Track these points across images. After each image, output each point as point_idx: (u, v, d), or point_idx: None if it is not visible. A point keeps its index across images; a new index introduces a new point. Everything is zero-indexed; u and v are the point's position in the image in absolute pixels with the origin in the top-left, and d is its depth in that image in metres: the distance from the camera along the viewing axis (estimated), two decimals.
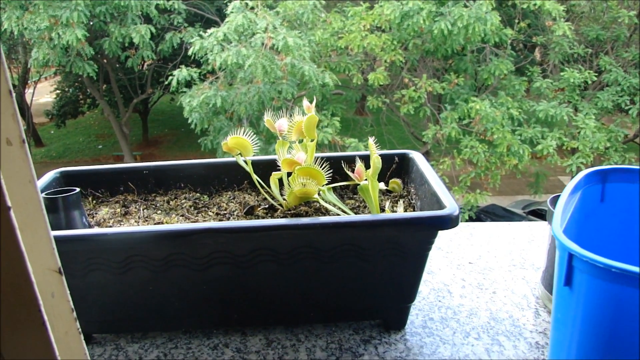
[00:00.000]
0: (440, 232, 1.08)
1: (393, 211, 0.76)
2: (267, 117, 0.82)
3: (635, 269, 0.36)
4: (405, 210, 0.79)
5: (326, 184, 0.77)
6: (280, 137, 0.80)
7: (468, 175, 8.18)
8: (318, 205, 0.78)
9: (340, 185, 0.86)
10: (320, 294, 0.75)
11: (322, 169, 0.74)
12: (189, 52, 7.75)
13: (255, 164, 0.84)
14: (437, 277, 0.92)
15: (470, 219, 7.88)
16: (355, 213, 0.79)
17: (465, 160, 8.07)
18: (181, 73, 7.69)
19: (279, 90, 7.34)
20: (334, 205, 0.76)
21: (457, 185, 8.21)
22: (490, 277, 0.92)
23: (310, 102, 0.82)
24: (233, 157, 0.82)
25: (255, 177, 0.81)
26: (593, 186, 0.58)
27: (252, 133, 0.81)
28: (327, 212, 0.76)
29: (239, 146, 0.80)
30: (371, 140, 0.75)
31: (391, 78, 8.37)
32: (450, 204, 0.68)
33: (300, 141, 0.80)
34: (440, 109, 8.29)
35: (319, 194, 0.74)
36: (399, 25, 7.83)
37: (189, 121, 7.59)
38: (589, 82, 9.03)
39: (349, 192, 0.87)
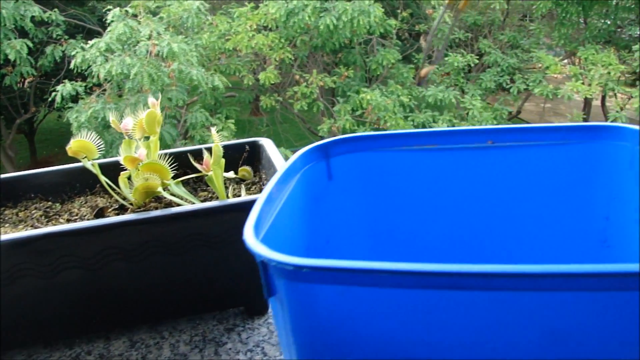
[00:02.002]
0: None
1: (236, 196, 0.77)
2: (112, 118, 0.81)
3: (327, 262, 0.30)
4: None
5: (176, 178, 0.78)
6: (126, 137, 0.79)
7: None
8: (168, 200, 0.78)
9: (193, 178, 0.86)
10: (178, 287, 0.75)
11: (168, 164, 0.74)
12: (71, 66, 7.46)
13: (106, 166, 0.82)
14: None
15: None
16: None
17: None
18: (65, 88, 7.39)
19: (169, 97, 7.20)
20: (183, 199, 0.76)
21: None
22: None
23: (156, 98, 0.81)
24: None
25: (103, 178, 0.79)
26: (316, 164, 0.51)
27: (97, 136, 0.79)
28: (176, 205, 0.76)
29: (83, 149, 0.78)
30: (213, 130, 0.76)
31: (282, 76, 8.42)
32: None
33: (148, 138, 0.80)
34: (333, 102, 8.43)
35: (165, 188, 0.74)
36: (285, 23, 7.88)
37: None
38: (472, 64, 9.48)
39: (202, 185, 0.87)
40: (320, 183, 0.52)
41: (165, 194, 0.73)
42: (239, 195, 0.78)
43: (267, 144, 0.85)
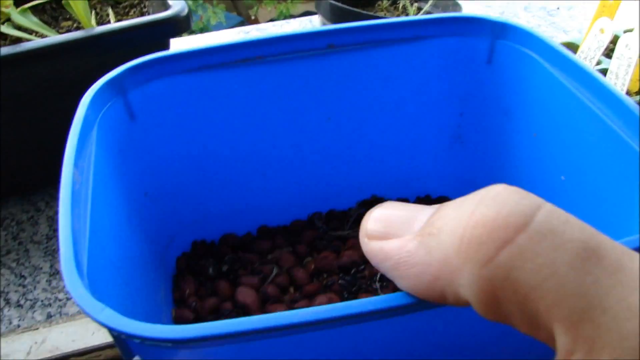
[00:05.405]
0: None
1: (104, 24, 0.58)
2: None
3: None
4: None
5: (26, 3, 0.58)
6: None
7: None
8: (15, 37, 0.58)
9: (51, 4, 0.65)
10: (47, 146, 0.58)
11: None
12: None
13: None
14: None
15: None
16: None
17: None
18: None
19: None
20: (33, 32, 0.56)
21: None
22: None
23: None
24: None
25: None
26: (112, 105, 0.36)
27: None
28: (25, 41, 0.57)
29: None
30: None
31: None
32: (176, 3, 0.51)
33: None
34: None
35: (7, 20, 0.55)
36: None
37: None
38: None
39: (65, 13, 0.66)
40: (122, 128, 0.37)
41: (4, 29, 0.53)
42: (107, 22, 0.59)
43: None
